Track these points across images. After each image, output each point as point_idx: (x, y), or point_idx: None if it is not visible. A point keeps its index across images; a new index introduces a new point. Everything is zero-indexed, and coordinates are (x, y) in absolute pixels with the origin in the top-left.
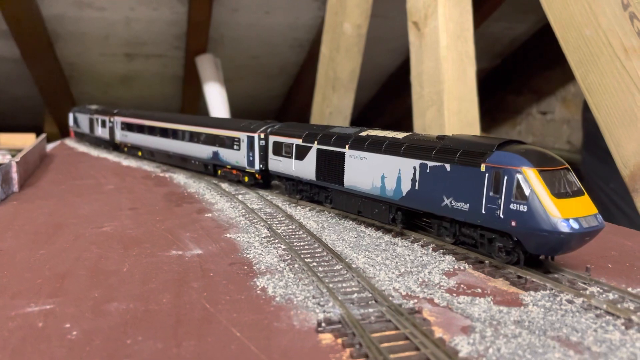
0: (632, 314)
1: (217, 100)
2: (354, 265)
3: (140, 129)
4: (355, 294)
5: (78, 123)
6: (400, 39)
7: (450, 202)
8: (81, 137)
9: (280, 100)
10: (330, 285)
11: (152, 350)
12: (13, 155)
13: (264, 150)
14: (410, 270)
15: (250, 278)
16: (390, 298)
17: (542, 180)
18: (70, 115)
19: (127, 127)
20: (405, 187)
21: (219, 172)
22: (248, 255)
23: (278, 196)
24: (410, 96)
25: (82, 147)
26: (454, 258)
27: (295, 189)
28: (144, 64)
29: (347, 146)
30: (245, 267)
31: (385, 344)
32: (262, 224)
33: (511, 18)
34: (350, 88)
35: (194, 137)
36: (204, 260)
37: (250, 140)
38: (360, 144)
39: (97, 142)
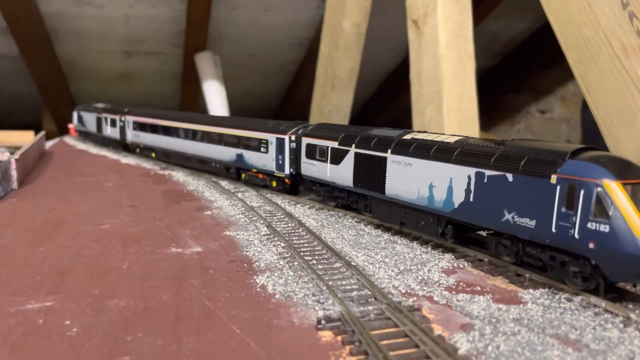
0: (630, 312)
1: (216, 98)
2: (353, 263)
3: (155, 129)
4: (355, 292)
5: (83, 122)
6: (400, 37)
7: (513, 218)
8: (86, 136)
9: (280, 98)
10: (330, 283)
11: (152, 346)
12: (12, 153)
13: (294, 153)
14: (410, 268)
15: (250, 275)
16: (390, 296)
17: (627, 195)
18: (75, 114)
19: (140, 126)
20: (458, 198)
21: (243, 175)
22: (247, 253)
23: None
24: (409, 94)
25: (81, 145)
26: (453, 256)
27: (330, 195)
28: (142, 61)
29: (389, 150)
30: (245, 265)
31: (385, 342)
32: (261, 221)
33: (510, 16)
34: (349, 86)
35: (215, 139)
36: (204, 257)
37: (280, 143)
38: (405, 149)
39: (105, 142)
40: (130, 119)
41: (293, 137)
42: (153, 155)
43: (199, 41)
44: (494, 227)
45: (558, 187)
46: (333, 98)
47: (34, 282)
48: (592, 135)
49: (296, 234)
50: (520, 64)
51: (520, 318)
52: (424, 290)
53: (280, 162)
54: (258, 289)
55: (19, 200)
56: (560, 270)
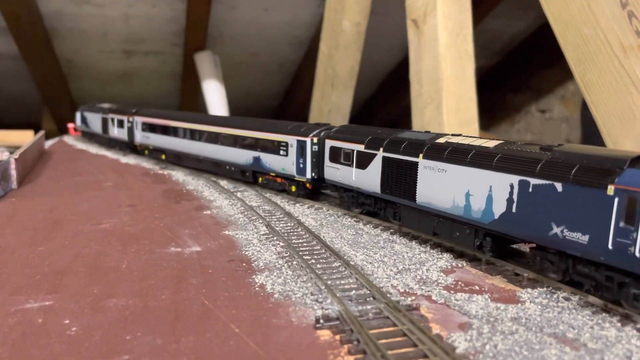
0: (628, 311)
1: (215, 97)
2: (352, 263)
3: (165, 131)
4: (354, 291)
5: (87, 123)
6: (399, 36)
7: (562, 232)
8: (90, 137)
9: (279, 97)
10: (329, 282)
11: (152, 345)
12: (11, 153)
13: (317, 156)
14: (409, 268)
15: (249, 275)
16: (388, 295)
17: None
18: (78, 115)
19: (150, 127)
20: (499, 208)
21: (260, 179)
22: (247, 252)
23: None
24: (409, 94)
25: (80, 145)
26: (451, 256)
27: (355, 201)
28: (142, 61)
29: (420, 155)
30: (244, 264)
31: (383, 340)
32: (260, 221)
33: (510, 15)
34: (349, 86)
35: (230, 141)
36: (203, 257)
37: (301, 145)
38: (438, 153)
39: (111, 144)
40: (139, 119)
41: (315, 140)
42: (163, 157)
43: (199, 41)
44: (539, 241)
45: (616, 199)
46: (333, 97)
47: (33, 282)
48: (591, 135)
49: (295, 233)
50: (520, 63)
51: (518, 317)
52: (422, 289)
53: (302, 165)
54: (257, 288)
55: (19, 199)
56: (617, 292)
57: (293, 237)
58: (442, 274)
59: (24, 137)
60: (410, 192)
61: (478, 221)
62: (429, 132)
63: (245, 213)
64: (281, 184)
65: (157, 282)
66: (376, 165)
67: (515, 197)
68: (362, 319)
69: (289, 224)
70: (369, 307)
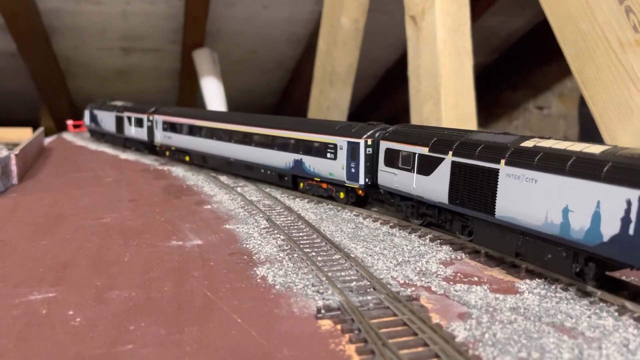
0: (625, 301)
1: (214, 94)
2: (352, 255)
3: (191, 130)
4: (354, 282)
5: (98, 121)
6: (398, 33)
7: None
8: (101, 137)
9: (278, 94)
10: (329, 274)
11: (155, 336)
12: (10, 149)
13: (370, 160)
14: (408, 260)
15: (250, 267)
16: (389, 286)
17: None
18: (86, 113)
19: (172, 127)
20: (609, 228)
21: (301, 185)
22: (247, 246)
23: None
24: (407, 90)
25: (79, 141)
26: (450, 248)
27: (415, 212)
28: (140, 58)
29: (502, 161)
30: (245, 257)
31: (384, 330)
32: (261, 215)
33: (508, 12)
34: (347, 82)
35: (267, 142)
36: (204, 250)
37: (353, 147)
38: (527, 160)
39: (127, 144)
40: (159, 118)
41: (369, 141)
42: (187, 158)
43: (197, 38)
44: None
45: None
46: (331, 94)
47: (36, 274)
48: (589, 132)
49: (295, 227)
50: (518, 60)
51: (517, 307)
52: (422, 280)
53: (353, 170)
54: (258, 280)
55: (20, 195)
56: None
57: (293, 231)
58: (441, 265)
59: (22, 135)
60: (488, 204)
61: (579, 243)
62: (508, 133)
63: (246, 207)
64: (327, 190)
65: (159, 275)
66: (443, 172)
67: (633, 215)
68: (362, 309)
69: (289, 218)
70: (369, 297)
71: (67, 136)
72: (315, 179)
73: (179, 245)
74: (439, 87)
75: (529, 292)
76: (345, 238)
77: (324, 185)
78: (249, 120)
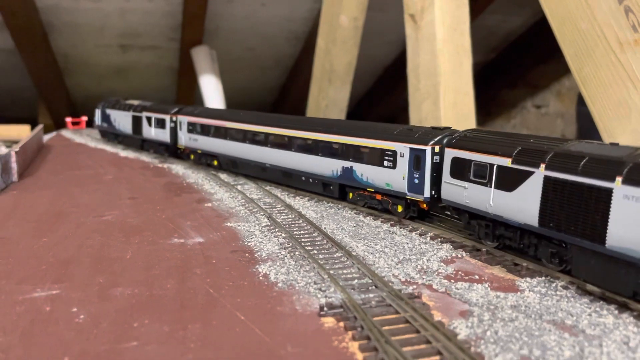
0: (625, 299)
1: (212, 92)
2: (353, 253)
3: (219, 133)
4: (356, 280)
5: (111, 121)
6: (397, 31)
7: None
8: (114, 138)
9: (276, 92)
10: (331, 272)
11: (159, 332)
12: (8, 147)
13: (438, 170)
14: (409, 258)
15: (252, 265)
16: (390, 284)
17: None
18: (97, 112)
19: (199, 129)
20: None
21: (350, 195)
22: (249, 243)
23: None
24: (406, 89)
25: (78, 138)
26: (451, 246)
27: (491, 233)
28: (139, 55)
29: (619, 178)
30: (247, 255)
31: (387, 327)
32: (261, 213)
33: (507, 11)
34: (346, 81)
35: (311, 147)
36: (206, 248)
37: (417, 155)
38: None
39: (145, 146)
40: (184, 119)
41: (437, 149)
42: (215, 163)
43: (196, 35)
44: None
45: None
46: (330, 92)
47: (39, 272)
48: (587, 131)
49: (296, 225)
50: (516, 59)
51: (518, 305)
52: (423, 278)
53: (417, 181)
54: (261, 278)
55: (20, 192)
56: None
57: (295, 229)
58: (442, 264)
59: (20, 132)
60: (595, 231)
61: None
62: (616, 144)
63: (246, 205)
64: (381, 202)
65: (161, 272)
66: (533, 188)
67: None
68: (365, 307)
69: (290, 216)
70: (371, 295)
71: (66, 133)
72: (368, 189)
73: (181, 242)
74: (438, 86)
75: (529, 290)
76: (346, 236)
77: (378, 197)
78: (290, 123)
